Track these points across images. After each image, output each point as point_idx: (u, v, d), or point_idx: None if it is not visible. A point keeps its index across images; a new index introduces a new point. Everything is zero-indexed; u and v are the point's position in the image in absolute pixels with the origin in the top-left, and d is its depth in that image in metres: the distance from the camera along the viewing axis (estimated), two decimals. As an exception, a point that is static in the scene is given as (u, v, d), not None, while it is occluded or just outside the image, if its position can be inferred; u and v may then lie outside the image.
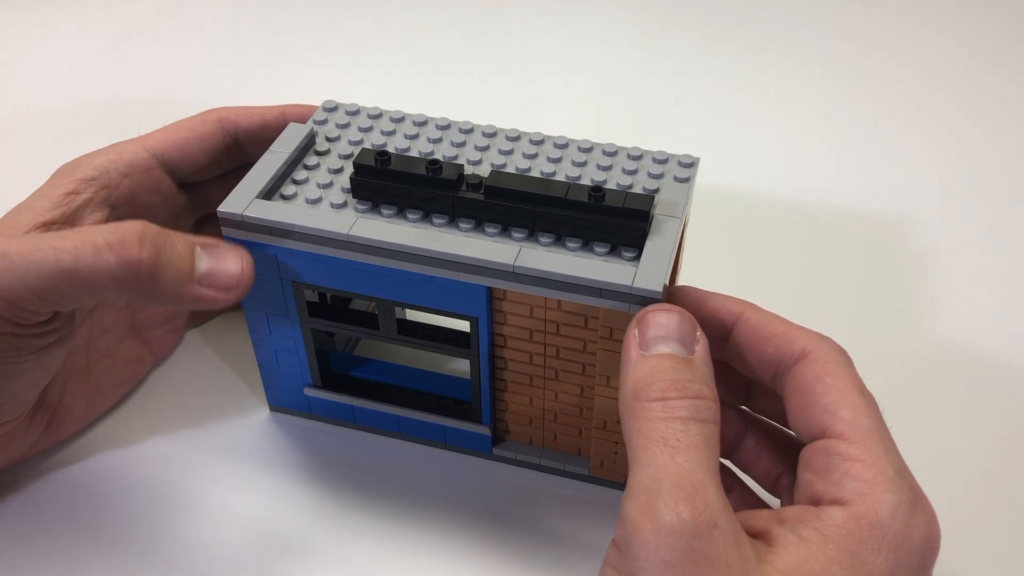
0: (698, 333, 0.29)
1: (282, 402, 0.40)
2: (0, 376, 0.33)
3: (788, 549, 0.25)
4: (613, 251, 0.32)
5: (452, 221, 0.33)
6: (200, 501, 0.37)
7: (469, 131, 0.37)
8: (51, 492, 0.38)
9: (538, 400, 0.36)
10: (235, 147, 0.40)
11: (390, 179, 0.33)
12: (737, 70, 0.63)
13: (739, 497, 0.33)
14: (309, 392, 0.39)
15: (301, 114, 0.40)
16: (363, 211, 0.34)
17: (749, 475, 0.33)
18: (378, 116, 0.38)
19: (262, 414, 0.41)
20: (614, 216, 0.31)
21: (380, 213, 0.33)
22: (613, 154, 0.36)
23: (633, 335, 0.29)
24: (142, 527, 0.37)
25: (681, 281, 0.37)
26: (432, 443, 0.39)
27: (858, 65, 0.63)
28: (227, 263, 0.33)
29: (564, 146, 0.36)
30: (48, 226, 0.35)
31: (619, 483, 0.37)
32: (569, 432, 0.37)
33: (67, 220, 0.36)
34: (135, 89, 0.62)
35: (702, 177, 0.40)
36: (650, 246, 0.31)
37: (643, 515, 0.25)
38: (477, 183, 0.33)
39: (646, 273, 0.30)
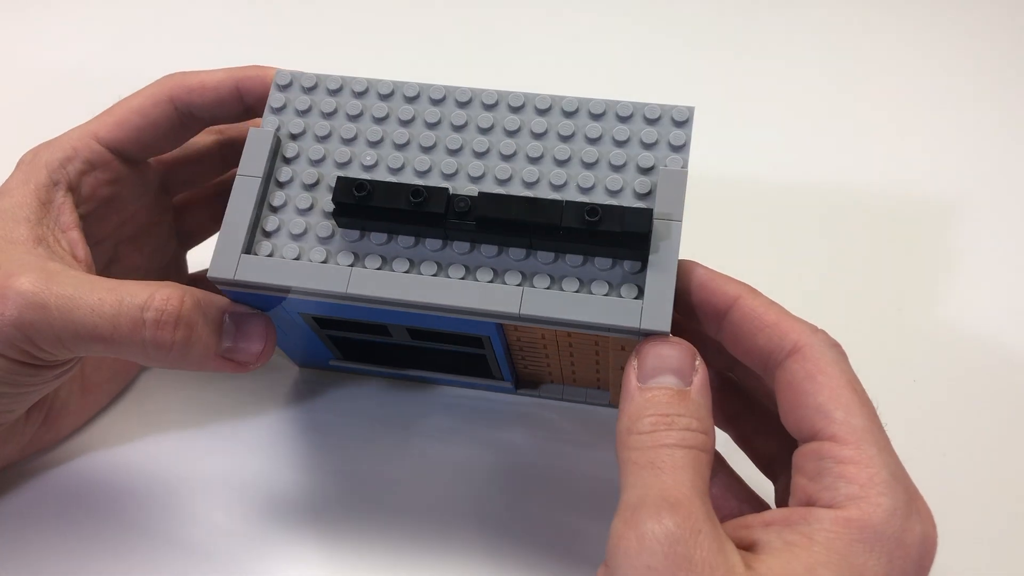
0: (697, 362, 0.29)
1: (308, 365, 0.42)
2: (10, 395, 0.34)
3: (772, 554, 0.26)
4: (615, 265, 0.31)
5: (446, 244, 0.32)
6: (212, 479, 0.40)
7: (441, 100, 0.34)
8: (51, 489, 0.39)
9: (555, 364, 0.37)
10: (192, 121, 0.37)
11: (373, 215, 0.31)
12: (739, 52, 0.54)
13: (724, 484, 0.33)
14: (334, 363, 0.40)
15: (254, 79, 0.36)
16: (352, 241, 0.32)
17: (745, 453, 0.35)
18: (339, 90, 0.35)
19: (274, 388, 0.42)
20: (613, 243, 0.30)
21: (370, 239, 0.32)
22: (600, 116, 0.33)
23: (632, 367, 0.29)
24: (146, 520, 0.39)
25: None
26: (456, 385, 0.41)
27: (867, 44, 0.54)
28: (251, 339, 0.34)
29: (547, 110, 0.34)
30: (43, 240, 0.34)
31: (639, 408, 0.40)
32: (587, 376, 0.39)
33: (53, 229, 0.35)
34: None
35: (701, 162, 0.37)
36: (652, 272, 0.30)
37: (627, 526, 0.25)
38: (466, 209, 0.31)
39: (652, 310, 0.30)
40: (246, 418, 0.41)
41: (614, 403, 0.40)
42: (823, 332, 0.30)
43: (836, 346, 0.29)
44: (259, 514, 0.39)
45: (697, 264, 0.32)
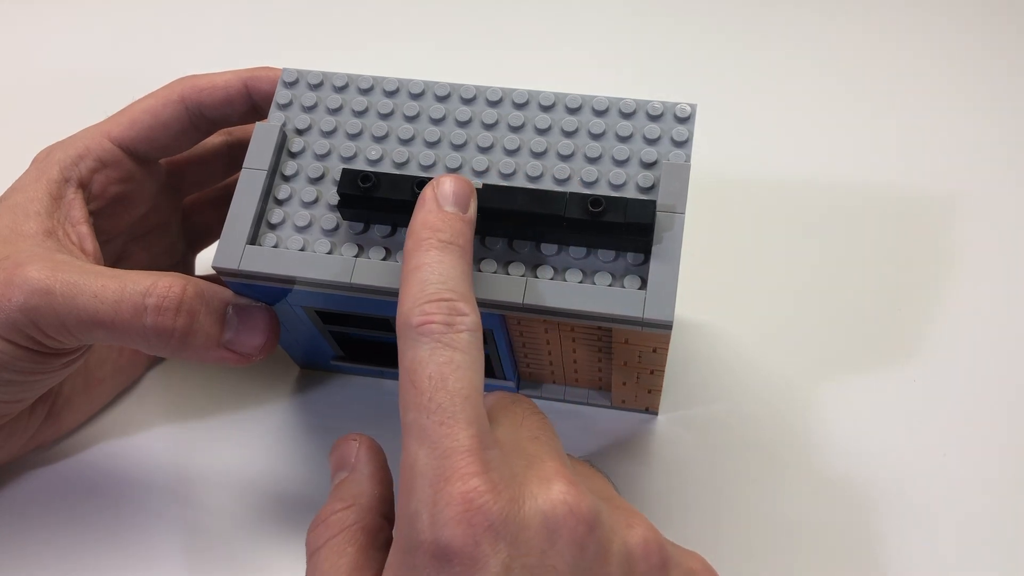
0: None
1: (309, 365, 0.42)
2: (18, 383, 0.34)
3: None
4: (619, 256, 0.31)
5: (450, 237, 0.32)
6: (215, 479, 0.39)
7: (446, 97, 0.35)
8: (54, 483, 0.39)
9: (557, 361, 0.37)
10: (203, 122, 0.38)
11: (377, 207, 0.32)
12: (743, 50, 0.55)
13: None
14: (335, 363, 0.40)
15: (262, 79, 0.37)
16: (356, 233, 0.33)
17: None
18: (344, 87, 0.35)
19: (275, 388, 0.42)
20: (616, 234, 0.30)
21: (374, 231, 0.33)
22: (604, 112, 0.34)
23: None
24: (147, 515, 0.38)
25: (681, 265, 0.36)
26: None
27: (872, 40, 0.54)
28: (253, 331, 0.34)
29: (551, 107, 0.34)
30: (52, 234, 0.35)
31: (641, 409, 0.40)
32: (590, 376, 0.39)
33: (63, 223, 0.36)
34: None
35: (704, 159, 0.37)
36: (655, 263, 0.30)
37: None
38: (470, 202, 0.31)
39: (655, 300, 0.30)
40: (249, 416, 0.41)
41: (617, 405, 0.40)
42: None
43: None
44: (261, 511, 0.39)
45: None
